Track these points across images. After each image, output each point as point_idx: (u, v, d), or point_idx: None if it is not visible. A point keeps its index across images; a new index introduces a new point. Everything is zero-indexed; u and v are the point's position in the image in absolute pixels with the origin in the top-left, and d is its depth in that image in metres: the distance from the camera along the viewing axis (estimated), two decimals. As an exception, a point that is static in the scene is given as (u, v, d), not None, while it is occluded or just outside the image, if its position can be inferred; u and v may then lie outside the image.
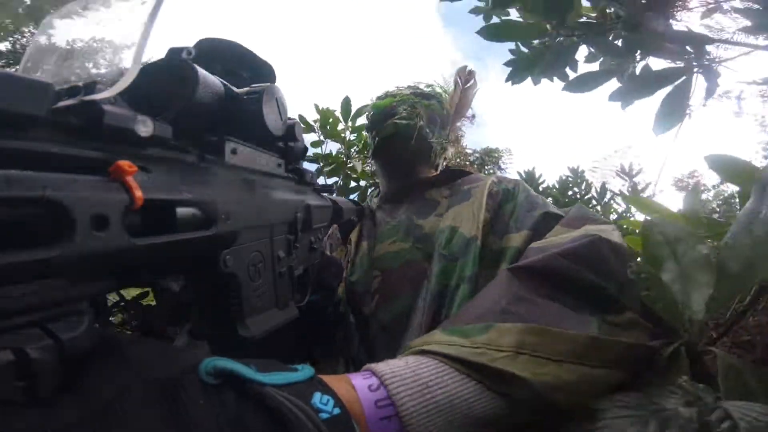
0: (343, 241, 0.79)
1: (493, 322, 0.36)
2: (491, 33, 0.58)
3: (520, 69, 0.61)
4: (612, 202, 1.72)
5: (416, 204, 0.70)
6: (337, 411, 0.25)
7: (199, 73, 0.30)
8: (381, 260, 0.65)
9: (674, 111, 0.47)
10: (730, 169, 0.46)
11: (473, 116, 0.79)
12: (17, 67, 0.29)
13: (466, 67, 0.76)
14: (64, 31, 0.29)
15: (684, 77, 0.46)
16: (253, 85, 0.36)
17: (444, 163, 0.81)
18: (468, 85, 0.75)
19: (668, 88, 0.47)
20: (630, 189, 1.77)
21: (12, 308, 0.16)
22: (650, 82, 0.49)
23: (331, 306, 0.58)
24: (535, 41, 0.58)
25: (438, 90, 0.79)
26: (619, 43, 0.50)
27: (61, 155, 0.20)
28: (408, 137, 0.71)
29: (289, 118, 0.41)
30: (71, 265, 0.18)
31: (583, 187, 1.84)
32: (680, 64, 0.47)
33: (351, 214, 0.67)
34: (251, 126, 0.35)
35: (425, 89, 0.79)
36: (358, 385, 0.31)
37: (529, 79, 0.63)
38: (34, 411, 0.16)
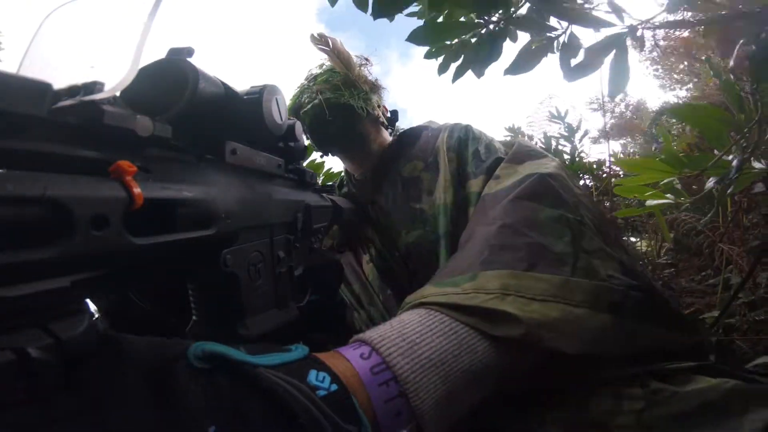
0: (344, 242, 0.79)
1: (478, 271, 0.38)
2: (424, 37, 0.60)
3: (449, 61, 0.64)
4: (559, 146, 1.86)
5: (400, 185, 0.72)
6: (334, 387, 0.25)
7: (200, 73, 0.30)
8: (411, 252, 0.67)
9: (620, 73, 0.54)
10: (692, 115, 0.56)
11: (366, 59, 0.80)
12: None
13: (313, 35, 0.77)
14: (64, 30, 0.29)
15: (620, 43, 0.53)
16: (252, 85, 0.36)
17: (383, 113, 0.81)
18: (331, 44, 0.77)
19: (610, 56, 0.55)
20: (567, 129, 1.91)
21: (12, 308, 0.16)
22: (595, 55, 0.55)
23: (331, 306, 0.58)
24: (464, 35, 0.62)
25: (327, 64, 0.80)
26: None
27: (61, 155, 0.20)
28: (322, 115, 0.72)
29: (289, 118, 0.41)
30: (71, 264, 0.18)
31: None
32: (602, 30, 0.53)
33: (351, 215, 0.67)
34: (251, 126, 0.35)
35: (316, 71, 0.79)
36: (351, 356, 0.30)
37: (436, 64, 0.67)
38: (32, 407, 0.16)
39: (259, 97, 0.34)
